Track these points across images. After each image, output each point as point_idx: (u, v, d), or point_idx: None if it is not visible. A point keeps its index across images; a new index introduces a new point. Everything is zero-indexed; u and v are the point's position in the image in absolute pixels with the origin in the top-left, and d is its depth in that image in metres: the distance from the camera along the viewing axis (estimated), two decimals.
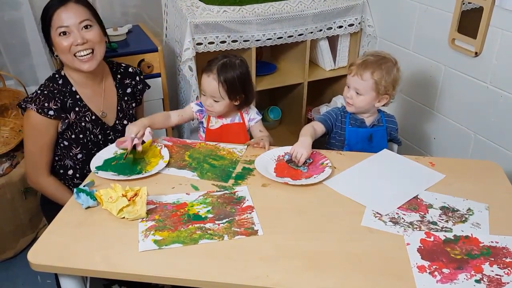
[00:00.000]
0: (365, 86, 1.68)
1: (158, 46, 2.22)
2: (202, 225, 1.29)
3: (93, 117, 1.74)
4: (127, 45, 2.27)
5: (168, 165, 1.57)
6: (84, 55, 1.62)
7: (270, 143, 1.74)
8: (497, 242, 1.23)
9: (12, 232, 2.16)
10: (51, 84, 1.68)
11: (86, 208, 1.36)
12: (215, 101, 1.72)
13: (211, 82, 1.69)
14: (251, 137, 1.86)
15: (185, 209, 1.36)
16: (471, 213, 1.35)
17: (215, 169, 1.56)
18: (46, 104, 1.62)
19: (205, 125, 1.81)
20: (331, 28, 2.48)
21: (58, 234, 1.27)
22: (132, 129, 1.60)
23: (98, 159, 1.59)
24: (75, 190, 1.37)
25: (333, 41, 2.61)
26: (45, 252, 1.21)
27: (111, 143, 1.78)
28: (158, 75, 2.26)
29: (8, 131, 2.25)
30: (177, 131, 2.71)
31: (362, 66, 1.68)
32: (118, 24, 2.50)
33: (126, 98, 1.84)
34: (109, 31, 2.29)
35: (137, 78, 1.88)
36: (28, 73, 2.44)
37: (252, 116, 1.84)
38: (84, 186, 1.41)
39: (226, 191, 1.44)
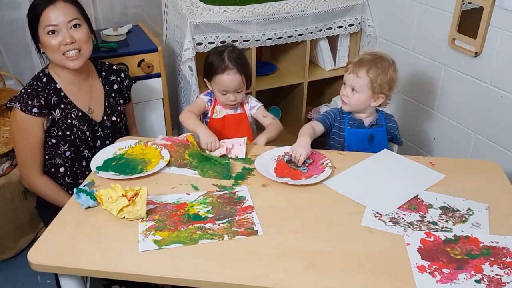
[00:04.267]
0: (360, 83, 1.68)
1: (158, 46, 2.22)
2: (202, 225, 1.29)
3: (80, 114, 1.74)
4: (127, 45, 2.27)
5: (169, 164, 1.57)
6: (72, 54, 1.63)
7: (277, 131, 1.81)
8: (497, 242, 1.23)
9: (12, 232, 2.16)
10: (35, 83, 1.69)
11: (86, 208, 1.36)
12: (238, 92, 1.78)
13: (234, 77, 1.75)
14: (257, 125, 1.92)
15: (185, 209, 1.36)
16: (471, 213, 1.35)
17: (215, 167, 1.56)
18: (29, 102, 1.64)
19: (209, 115, 1.85)
20: (331, 28, 2.48)
21: (58, 234, 1.27)
22: (214, 139, 1.63)
23: (97, 160, 1.59)
24: (75, 190, 1.37)
25: (333, 41, 2.61)
26: (45, 252, 1.21)
27: (100, 139, 1.79)
28: (158, 75, 2.26)
29: (8, 131, 2.25)
30: (177, 131, 2.71)
31: (358, 64, 1.69)
32: (118, 24, 2.50)
33: (113, 95, 1.85)
34: (109, 31, 2.30)
35: (122, 74, 1.89)
36: (28, 73, 2.44)
37: (252, 104, 1.88)
38: (84, 186, 1.41)
39: (226, 191, 1.44)
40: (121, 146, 1.66)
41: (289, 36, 2.38)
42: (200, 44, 2.22)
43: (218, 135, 1.68)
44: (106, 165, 1.56)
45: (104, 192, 1.33)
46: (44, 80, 1.70)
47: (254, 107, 1.89)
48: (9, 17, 2.35)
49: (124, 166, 1.56)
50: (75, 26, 1.63)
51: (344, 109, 1.76)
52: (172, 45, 2.50)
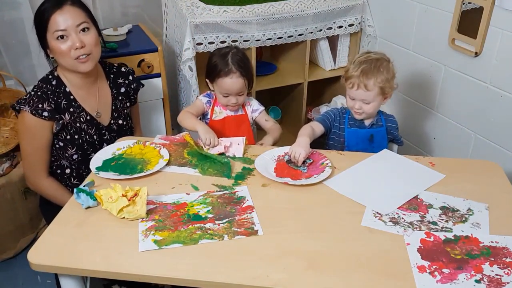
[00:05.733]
0: (371, 95, 1.66)
1: (158, 46, 2.22)
2: (202, 225, 1.29)
3: (88, 118, 1.74)
4: (127, 45, 2.27)
5: (169, 163, 1.57)
6: (82, 58, 1.62)
7: (279, 135, 1.85)
8: (497, 242, 1.23)
9: (12, 232, 2.16)
10: (44, 85, 1.67)
11: (86, 208, 1.36)
12: (240, 95, 1.79)
13: (236, 81, 1.75)
14: (258, 129, 1.93)
15: (185, 209, 1.36)
16: (471, 213, 1.35)
17: (215, 165, 1.56)
18: (40, 105, 1.62)
19: (208, 116, 1.85)
20: (331, 28, 2.48)
21: (58, 234, 1.27)
22: (213, 135, 1.65)
23: (97, 160, 1.58)
24: (75, 190, 1.37)
25: (333, 41, 2.61)
26: (45, 252, 1.21)
27: (106, 143, 1.78)
28: (158, 75, 2.26)
29: (8, 131, 2.25)
30: (177, 131, 2.71)
31: (362, 76, 1.65)
32: (118, 24, 2.50)
33: (120, 98, 1.85)
34: (109, 31, 2.30)
35: (130, 77, 1.88)
36: (28, 73, 2.44)
37: (254, 107, 1.89)
38: (84, 186, 1.41)
39: (226, 191, 1.44)
40: (119, 146, 1.66)
41: (289, 36, 2.38)
42: (200, 44, 2.22)
43: (218, 136, 1.68)
44: (106, 166, 1.56)
45: (104, 192, 1.33)
46: (54, 83, 1.69)
47: (256, 111, 1.89)
48: (9, 17, 2.34)
49: (124, 166, 1.56)
50: (83, 30, 1.62)
51: (359, 118, 1.74)
52: (172, 45, 2.50)
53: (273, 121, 1.91)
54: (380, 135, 1.78)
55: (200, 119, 1.86)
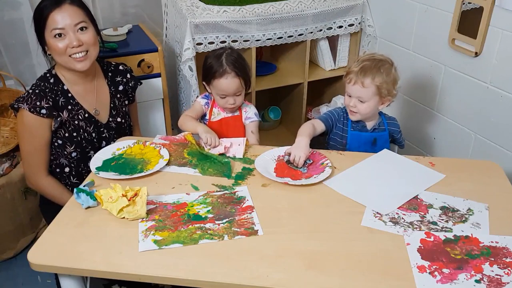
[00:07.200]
0: (367, 93, 1.66)
1: (158, 46, 2.22)
2: (202, 225, 1.29)
3: (86, 115, 1.74)
4: (127, 45, 2.27)
5: (168, 163, 1.57)
6: (79, 56, 1.63)
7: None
8: (497, 242, 1.23)
9: (12, 232, 2.16)
10: (42, 83, 1.68)
11: (86, 208, 1.36)
12: (237, 95, 1.78)
13: (232, 81, 1.74)
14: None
15: (185, 209, 1.36)
16: (471, 213, 1.35)
17: (215, 165, 1.56)
18: (38, 103, 1.62)
19: (207, 117, 1.86)
20: (331, 28, 2.48)
21: (58, 234, 1.27)
22: (214, 135, 1.66)
23: (97, 160, 1.58)
24: (75, 190, 1.37)
25: (333, 41, 2.61)
26: (45, 252, 1.21)
27: (105, 140, 1.79)
28: (158, 75, 2.26)
29: (8, 131, 2.25)
30: (177, 131, 2.71)
31: (361, 73, 1.65)
32: (118, 24, 2.50)
33: (118, 96, 1.85)
34: (109, 31, 2.30)
35: (128, 75, 1.89)
36: (28, 73, 2.44)
37: (249, 115, 1.88)
38: (84, 186, 1.41)
39: (226, 191, 1.44)
40: (119, 146, 1.66)
41: (289, 36, 2.38)
42: (200, 44, 2.22)
43: None
44: (106, 166, 1.56)
45: (104, 192, 1.33)
46: (52, 81, 1.69)
47: (249, 118, 1.87)
48: (9, 17, 2.35)
49: (124, 166, 1.56)
50: (81, 29, 1.62)
51: (354, 119, 1.74)
52: (172, 45, 2.50)
53: (257, 139, 1.87)
54: (383, 139, 1.78)
55: (199, 121, 1.86)
